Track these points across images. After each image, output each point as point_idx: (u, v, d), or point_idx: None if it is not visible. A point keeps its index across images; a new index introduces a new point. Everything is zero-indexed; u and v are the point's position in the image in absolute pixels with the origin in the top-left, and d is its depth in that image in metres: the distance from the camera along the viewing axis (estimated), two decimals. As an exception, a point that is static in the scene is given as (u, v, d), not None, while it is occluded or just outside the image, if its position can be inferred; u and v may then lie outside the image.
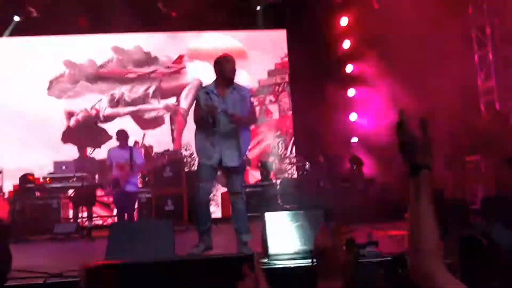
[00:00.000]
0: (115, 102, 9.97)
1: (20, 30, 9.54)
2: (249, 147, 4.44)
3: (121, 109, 9.99)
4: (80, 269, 2.34)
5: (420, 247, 1.15)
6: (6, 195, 9.11)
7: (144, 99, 10.06)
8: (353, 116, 9.66)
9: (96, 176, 8.65)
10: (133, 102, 10.04)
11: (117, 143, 6.91)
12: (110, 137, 9.58)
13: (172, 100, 10.15)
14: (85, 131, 9.75)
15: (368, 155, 8.90)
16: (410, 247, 1.19)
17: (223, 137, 4.08)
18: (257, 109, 10.22)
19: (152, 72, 10.11)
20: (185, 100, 10.15)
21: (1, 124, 9.53)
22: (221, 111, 4.05)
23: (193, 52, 10.17)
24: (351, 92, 9.76)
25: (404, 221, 6.70)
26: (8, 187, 9.27)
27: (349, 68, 9.80)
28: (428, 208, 1.17)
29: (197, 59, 10.14)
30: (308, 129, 8.18)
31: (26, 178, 8.28)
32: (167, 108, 10.06)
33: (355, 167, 8.05)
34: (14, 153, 9.38)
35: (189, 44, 10.23)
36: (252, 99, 4.46)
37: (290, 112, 10.31)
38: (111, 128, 9.80)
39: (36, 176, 8.41)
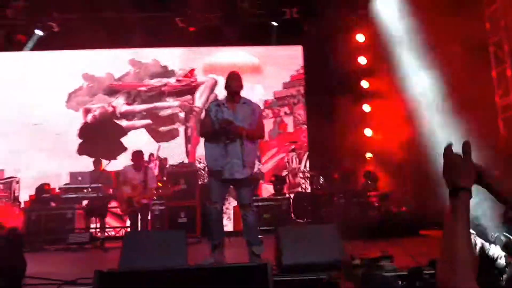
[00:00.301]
0: (131, 100, 10.09)
1: (42, 45, 9.76)
2: (255, 159, 4.46)
3: (137, 106, 10.09)
4: (94, 275, 2.35)
5: (453, 267, 1.17)
6: (22, 205, 9.24)
7: (160, 97, 10.14)
8: (368, 132, 9.62)
9: (111, 189, 8.75)
10: (149, 100, 10.14)
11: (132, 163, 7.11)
12: (125, 149, 9.69)
13: (187, 98, 10.22)
14: (101, 129, 9.88)
15: (383, 171, 8.85)
16: (441, 264, 1.21)
17: (230, 150, 4.15)
18: (272, 121, 10.25)
19: (163, 85, 10.19)
20: (200, 99, 10.22)
21: (19, 134, 9.70)
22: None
23: (210, 66, 10.25)
24: (366, 107, 9.74)
25: (419, 237, 6.64)
26: (24, 197, 9.40)
27: (365, 84, 9.79)
28: (465, 229, 1.21)
29: (214, 73, 10.22)
30: (322, 143, 8.15)
31: (42, 188, 8.40)
32: (182, 106, 10.13)
33: (369, 183, 7.99)
34: (31, 163, 9.52)
35: (205, 58, 10.32)
36: (261, 114, 4.56)
37: (305, 126, 10.26)
38: (127, 140, 9.92)
39: (52, 186, 8.54)
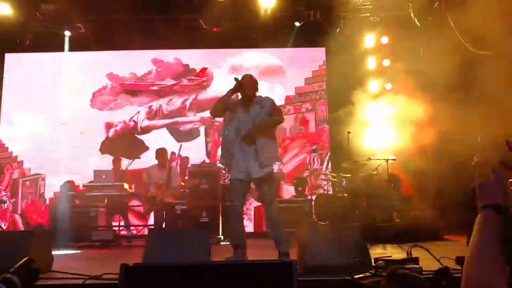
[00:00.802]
0: (153, 114, 10.19)
1: (69, 46, 9.97)
2: (274, 154, 4.44)
3: (158, 121, 10.19)
4: (120, 269, 2.38)
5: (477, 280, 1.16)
6: (48, 201, 9.45)
7: (180, 111, 10.22)
8: (391, 134, 9.50)
9: (133, 186, 8.88)
10: (170, 114, 10.21)
11: (156, 161, 7.23)
12: (147, 148, 9.81)
13: (207, 113, 10.27)
14: (122, 142, 9.98)
15: (406, 174, 8.72)
16: (466, 276, 1.20)
17: (247, 150, 4.21)
18: (293, 117, 10.18)
19: (175, 85, 10.25)
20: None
21: (47, 133, 9.90)
22: (244, 125, 4.29)
23: (233, 68, 10.28)
24: (390, 110, 9.63)
25: (443, 241, 6.53)
26: (49, 194, 9.62)
27: (388, 87, 9.70)
28: (491, 244, 1.19)
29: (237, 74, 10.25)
30: (344, 145, 8.06)
31: (67, 186, 8.57)
32: (202, 121, 10.18)
33: (392, 185, 7.89)
34: (57, 161, 9.71)
35: (228, 59, 10.35)
36: (272, 103, 4.53)
37: (327, 126, 10.15)
38: (148, 139, 10.03)
39: (76, 183, 8.71)
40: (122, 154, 9.33)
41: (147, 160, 8.84)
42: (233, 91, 4.38)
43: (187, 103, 10.26)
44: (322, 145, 9.99)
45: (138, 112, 10.19)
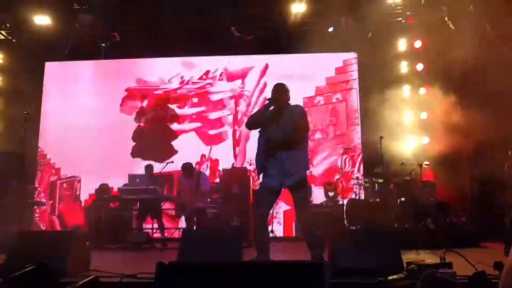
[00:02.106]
0: (183, 103, 10.37)
1: (104, 54, 10.30)
2: (304, 162, 4.41)
3: (187, 125, 10.32)
4: (156, 267, 2.46)
5: None
6: (83, 204, 9.75)
7: (208, 115, 10.34)
8: (425, 139, 9.36)
9: (165, 189, 9.07)
10: (198, 119, 10.36)
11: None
12: (175, 152, 10.01)
13: (237, 83, 10.35)
14: (153, 132, 10.21)
15: (441, 179, 8.56)
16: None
17: (278, 159, 4.24)
18: (323, 108, 10.08)
19: (179, 88, 10.37)
20: (251, 83, 10.30)
21: (82, 137, 10.22)
22: (275, 136, 4.30)
23: (268, 72, 10.36)
24: (423, 115, 9.49)
25: (480, 248, 6.36)
26: (84, 196, 9.92)
27: (421, 91, 9.55)
28: None
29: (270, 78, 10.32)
30: (377, 149, 7.93)
31: (102, 188, 8.81)
32: (232, 90, 10.25)
33: (426, 191, 7.75)
34: (92, 166, 10.00)
35: (259, 65, 10.41)
36: (301, 115, 4.46)
37: (359, 127, 9.97)
38: (178, 143, 10.22)
39: (111, 185, 8.97)
40: (153, 157, 9.49)
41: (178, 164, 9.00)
42: (267, 107, 4.38)
43: (217, 73, 10.38)
44: (354, 147, 9.85)
45: (171, 82, 10.37)
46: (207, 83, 10.42)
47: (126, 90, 10.50)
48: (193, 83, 10.44)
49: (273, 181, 4.25)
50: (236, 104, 10.30)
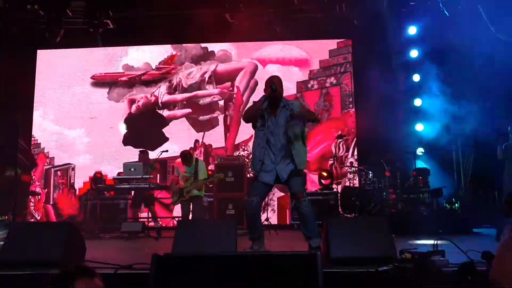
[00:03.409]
0: (172, 89, 10.31)
1: (97, 42, 10.17)
2: (304, 160, 4.39)
3: (178, 96, 10.27)
4: (152, 259, 2.48)
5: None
6: (77, 192, 9.76)
7: (199, 86, 10.28)
8: (419, 127, 9.38)
9: (158, 177, 9.09)
10: (190, 89, 10.29)
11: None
12: (167, 139, 10.01)
13: (226, 86, 10.26)
14: (144, 119, 10.20)
15: (435, 166, 8.61)
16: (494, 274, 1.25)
17: (279, 153, 4.25)
18: (317, 92, 10.03)
19: (142, 74, 10.29)
20: (240, 84, 10.21)
21: (75, 124, 10.23)
22: (272, 132, 4.29)
23: (261, 59, 10.30)
24: (417, 102, 9.49)
25: (472, 235, 6.44)
26: (78, 184, 9.93)
27: (416, 78, 9.53)
28: None
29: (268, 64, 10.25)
30: (371, 136, 7.93)
31: (97, 178, 8.82)
32: (222, 93, 10.20)
33: (420, 178, 7.80)
34: (87, 154, 10.01)
35: (253, 53, 10.35)
36: (302, 105, 4.51)
37: (353, 110, 9.89)
38: (169, 130, 10.18)
39: (103, 173, 8.97)
40: (144, 145, 9.48)
41: (172, 152, 8.98)
42: (268, 97, 4.34)
43: (206, 76, 10.30)
44: (348, 130, 9.77)
45: (159, 86, 10.31)
46: (172, 68, 10.35)
47: (92, 78, 10.44)
48: (158, 67, 10.38)
49: (268, 176, 4.27)
50: (230, 88, 10.29)
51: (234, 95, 10.14)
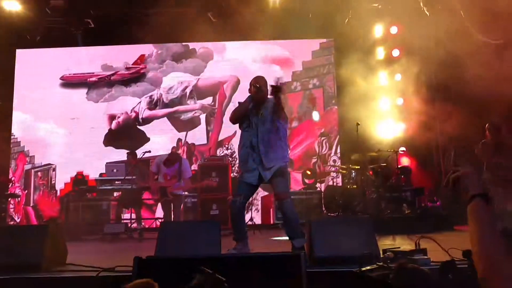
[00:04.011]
0: (153, 104, 10.22)
1: (78, 41, 10.03)
2: (279, 155, 4.38)
3: (159, 111, 10.19)
4: (133, 262, 2.45)
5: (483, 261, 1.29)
6: (58, 193, 9.62)
7: (181, 101, 10.21)
8: (401, 125, 9.47)
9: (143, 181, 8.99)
10: (171, 104, 10.21)
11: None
12: (148, 140, 9.94)
13: (208, 100, 10.22)
14: (125, 133, 10.04)
15: (417, 165, 8.72)
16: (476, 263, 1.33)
17: (262, 153, 4.26)
18: (301, 94, 10.05)
19: (112, 74, 10.18)
20: (223, 98, 10.18)
21: (56, 127, 10.07)
22: (255, 132, 4.30)
23: (244, 58, 10.27)
24: (399, 101, 9.59)
25: (454, 232, 6.52)
26: (60, 185, 9.78)
27: (398, 77, 9.63)
28: (485, 230, 1.33)
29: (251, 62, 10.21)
30: (354, 135, 7.95)
31: (78, 179, 8.70)
32: (203, 108, 10.16)
33: (403, 177, 7.88)
34: (66, 153, 9.91)
35: (235, 51, 10.33)
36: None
37: (335, 107, 9.93)
38: (149, 130, 10.11)
39: (88, 176, 8.84)
40: (126, 146, 9.39)
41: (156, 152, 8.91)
42: (253, 98, 4.34)
43: (187, 90, 10.24)
44: (331, 128, 9.81)
45: (139, 102, 10.20)
46: (141, 68, 10.26)
47: (61, 79, 10.29)
48: (127, 68, 10.27)
49: (252, 177, 4.27)
50: (212, 103, 10.26)
51: (215, 110, 10.08)
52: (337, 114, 9.90)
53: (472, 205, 1.38)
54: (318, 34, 9.96)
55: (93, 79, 10.23)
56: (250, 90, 4.41)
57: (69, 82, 10.28)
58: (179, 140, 9.95)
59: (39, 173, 10.01)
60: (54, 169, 9.96)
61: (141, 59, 10.27)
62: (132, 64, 10.28)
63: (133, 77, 10.24)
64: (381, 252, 3.78)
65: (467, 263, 2.63)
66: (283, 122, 4.38)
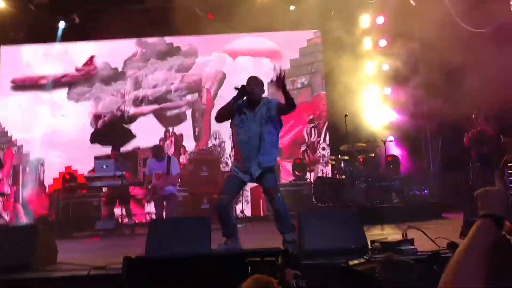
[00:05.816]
0: (139, 102, 10.16)
1: (63, 36, 9.91)
2: (273, 159, 4.39)
3: (144, 108, 10.12)
4: (123, 261, 2.47)
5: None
6: (47, 189, 9.55)
7: (166, 97, 10.15)
8: (389, 115, 9.53)
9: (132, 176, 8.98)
10: (156, 100, 10.16)
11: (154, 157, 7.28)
12: (134, 136, 9.90)
13: (194, 96, 10.17)
14: (111, 132, 9.96)
15: (405, 154, 8.79)
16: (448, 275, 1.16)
17: (253, 151, 4.25)
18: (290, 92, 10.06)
19: (63, 76, 10.08)
20: (208, 94, 10.15)
21: (43, 122, 10.00)
22: (248, 129, 4.28)
23: (231, 51, 10.23)
24: (387, 90, 9.64)
25: (442, 220, 6.62)
26: (48, 180, 9.72)
27: (385, 67, 9.67)
28: (480, 253, 1.14)
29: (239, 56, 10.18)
30: (342, 126, 7.96)
31: (66, 176, 8.65)
32: (189, 104, 10.11)
33: (391, 166, 7.95)
34: (58, 152, 9.82)
35: (224, 45, 10.28)
36: (277, 101, 4.43)
37: (323, 92, 9.89)
38: (135, 126, 10.06)
39: (73, 169, 8.79)
40: (112, 143, 9.32)
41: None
42: (236, 99, 4.31)
43: (172, 87, 10.18)
44: (319, 114, 9.78)
45: (124, 101, 10.12)
46: (92, 69, 10.17)
47: (12, 82, 10.16)
48: (77, 69, 10.17)
49: (242, 173, 4.27)
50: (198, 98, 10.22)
51: (202, 106, 10.03)
52: (325, 99, 9.88)
53: (479, 223, 1.20)
54: (305, 26, 9.93)
55: (44, 81, 10.08)
56: (246, 89, 4.37)
57: (20, 85, 10.13)
58: (167, 131, 9.91)
59: (27, 168, 9.92)
60: (42, 164, 9.86)
61: (91, 60, 10.15)
62: (82, 66, 10.15)
63: (84, 78, 10.12)
64: (369, 243, 3.83)
65: (451, 253, 2.67)
66: (277, 122, 4.40)
